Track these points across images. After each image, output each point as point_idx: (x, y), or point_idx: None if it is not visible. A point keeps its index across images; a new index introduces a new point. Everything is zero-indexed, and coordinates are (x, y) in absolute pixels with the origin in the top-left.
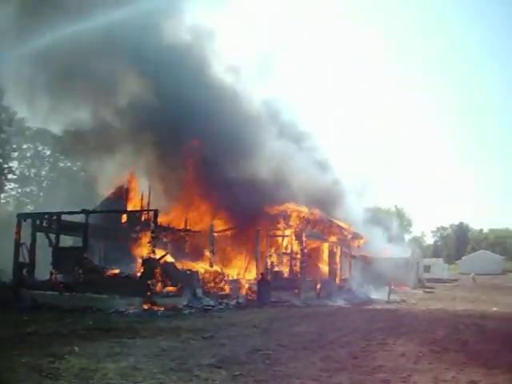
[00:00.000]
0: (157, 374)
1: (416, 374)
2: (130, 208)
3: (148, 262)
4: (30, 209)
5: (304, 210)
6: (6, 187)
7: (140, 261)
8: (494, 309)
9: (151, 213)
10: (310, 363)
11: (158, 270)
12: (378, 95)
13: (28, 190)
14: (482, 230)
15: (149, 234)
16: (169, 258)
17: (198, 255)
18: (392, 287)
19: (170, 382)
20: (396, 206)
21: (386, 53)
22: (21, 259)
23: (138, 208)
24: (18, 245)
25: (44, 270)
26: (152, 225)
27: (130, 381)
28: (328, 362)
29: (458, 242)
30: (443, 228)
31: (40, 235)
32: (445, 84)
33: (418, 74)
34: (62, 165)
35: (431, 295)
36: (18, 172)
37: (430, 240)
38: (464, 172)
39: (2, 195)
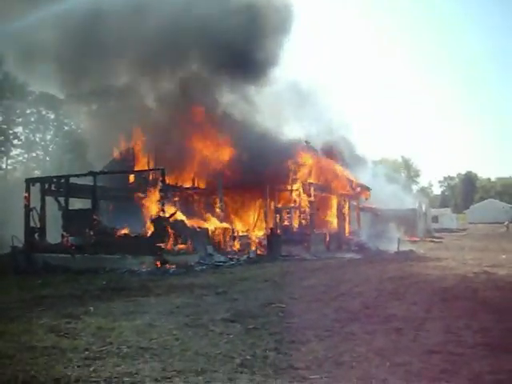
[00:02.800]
0: (172, 331)
1: (428, 322)
2: (137, 168)
3: (158, 221)
4: (37, 174)
5: (310, 161)
6: (12, 153)
7: (149, 220)
8: (503, 256)
9: (158, 172)
10: (322, 315)
11: (168, 228)
12: (382, 44)
13: (34, 154)
14: (489, 179)
15: (157, 192)
16: (179, 216)
17: (207, 213)
18: (401, 238)
19: (185, 338)
20: (403, 157)
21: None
22: (31, 224)
23: (145, 168)
24: (28, 210)
25: (55, 233)
26: (160, 183)
27: (146, 338)
28: (340, 313)
29: (465, 192)
30: (450, 178)
31: (49, 199)
32: (448, 33)
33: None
34: (66, 128)
35: (440, 245)
36: (23, 137)
37: (437, 190)
38: (471, 120)
39: (9, 161)
